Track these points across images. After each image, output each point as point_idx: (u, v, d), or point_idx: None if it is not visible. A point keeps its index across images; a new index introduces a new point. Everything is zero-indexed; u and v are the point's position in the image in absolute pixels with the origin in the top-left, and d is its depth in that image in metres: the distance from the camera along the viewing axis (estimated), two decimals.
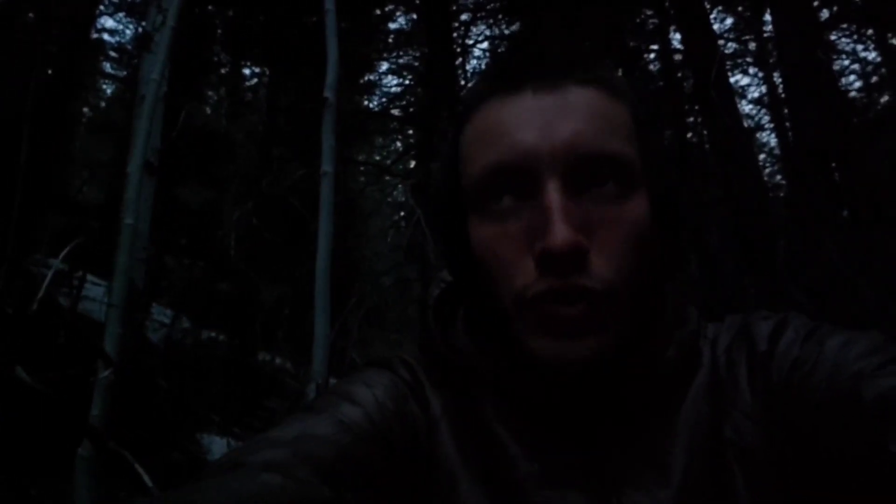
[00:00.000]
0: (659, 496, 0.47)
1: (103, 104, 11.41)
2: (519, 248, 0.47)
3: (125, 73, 9.36)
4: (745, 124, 8.66)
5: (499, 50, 8.84)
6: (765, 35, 8.89)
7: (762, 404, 0.49)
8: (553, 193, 0.46)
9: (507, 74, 0.51)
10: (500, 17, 8.57)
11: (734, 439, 0.49)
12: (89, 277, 4.86)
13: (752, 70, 9.89)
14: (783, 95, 8.23)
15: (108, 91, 11.45)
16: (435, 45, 8.04)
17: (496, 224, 0.49)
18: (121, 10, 8.25)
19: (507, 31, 8.83)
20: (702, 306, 0.57)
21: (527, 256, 0.47)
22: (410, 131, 10.37)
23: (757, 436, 0.48)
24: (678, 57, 7.81)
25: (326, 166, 1.89)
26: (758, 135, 10.42)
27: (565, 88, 0.49)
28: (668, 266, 0.53)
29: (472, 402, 0.53)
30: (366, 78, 9.38)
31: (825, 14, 7.94)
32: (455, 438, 0.52)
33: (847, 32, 8.45)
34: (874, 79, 8.87)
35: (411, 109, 9.49)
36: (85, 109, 10.41)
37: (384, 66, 9.71)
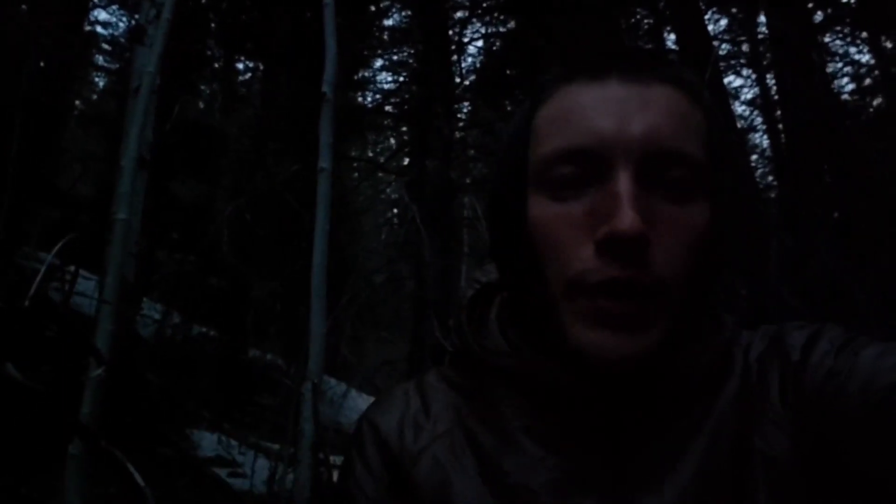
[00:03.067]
0: (669, 496, 0.46)
1: (95, 97, 11.32)
2: (579, 230, 0.47)
3: (118, 65, 9.29)
4: (738, 125, 8.70)
5: (494, 48, 8.84)
6: (759, 36, 8.93)
7: (793, 414, 0.48)
8: (625, 180, 0.45)
9: (592, 62, 0.51)
10: (495, 14, 8.57)
11: (763, 448, 0.48)
12: (80, 272, 4.82)
13: (745, 71, 9.93)
14: (776, 97, 8.26)
15: (101, 84, 11.37)
16: (430, 42, 8.04)
17: (558, 204, 0.48)
18: (114, 3, 8.17)
19: (502, 29, 8.83)
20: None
21: (586, 241, 0.46)
22: (404, 128, 10.35)
23: (786, 446, 0.47)
24: (672, 57, 7.83)
25: (323, 163, 1.87)
26: (750, 136, 10.45)
27: (648, 83, 0.49)
28: (714, 275, 0.53)
29: (493, 407, 0.53)
30: (360, 74, 9.35)
31: (819, 16, 7.97)
32: (454, 455, 0.52)
33: (840, 35, 8.49)
34: (867, 81, 8.92)
35: (406, 106, 9.47)
36: (76, 102, 10.32)
37: (379, 63, 9.68)
